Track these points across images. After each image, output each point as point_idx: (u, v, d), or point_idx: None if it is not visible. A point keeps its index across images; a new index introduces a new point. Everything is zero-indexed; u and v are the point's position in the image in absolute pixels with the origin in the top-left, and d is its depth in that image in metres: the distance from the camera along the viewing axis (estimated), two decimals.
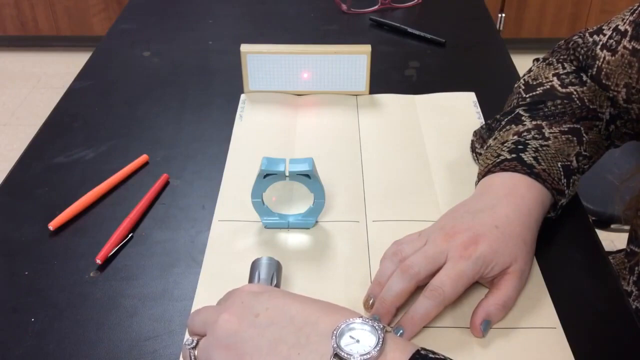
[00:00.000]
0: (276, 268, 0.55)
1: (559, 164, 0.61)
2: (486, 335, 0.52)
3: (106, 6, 2.63)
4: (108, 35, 1.03)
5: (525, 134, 0.64)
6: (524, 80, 0.73)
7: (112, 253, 0.61)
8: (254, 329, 0.44)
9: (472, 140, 0.73)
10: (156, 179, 0.70)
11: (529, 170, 0.60)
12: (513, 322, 0.54)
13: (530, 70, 0.75)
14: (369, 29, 1.05)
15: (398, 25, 1.03)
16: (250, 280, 0.54)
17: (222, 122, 0.80)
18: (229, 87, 0.87)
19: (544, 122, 0.65)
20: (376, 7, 1.09)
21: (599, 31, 0.71)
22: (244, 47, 0.81)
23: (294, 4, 1.12)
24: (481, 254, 0.52)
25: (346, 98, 0.84)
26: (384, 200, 0.67)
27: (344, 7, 1.09)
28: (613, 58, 0.68)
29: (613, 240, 1.63)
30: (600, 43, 0.70)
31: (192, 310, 0.55)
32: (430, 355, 0.41)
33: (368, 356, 0.41)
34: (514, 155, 0.61)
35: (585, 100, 0.68)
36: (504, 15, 2.56)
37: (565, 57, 0.74)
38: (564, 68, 0.72)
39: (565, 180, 0.61)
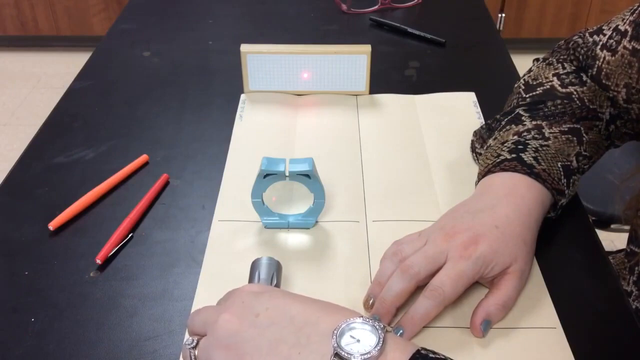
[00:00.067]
0: (276, 268, 0.55)
1: (559, 164, 0.61)
2: (486, 335, 0.52)
3: (106, 6, 2.63)
4: (108, 35, 1.03)
5: (525, 134, 0.64)
6: (524, 80, 0.73)
7: (112, 253, 0.61)
8: (254, 329, 0.44)
9: (472, 140, 0.73)
10: (156, 179, 0.70)
11: (529, 170, 0.60)
12: (513, 322, 0.54)
13: (530, 70, 0.75)
14: (369, 29, 1.05)
15: (398, 25, 1.03)
16: (250, 280, 0.54)
17: (222, 122, 0.80)
18: (229, 87, 0.87)
19: (544, 122, 0.65)
20: (376, 7, 1.09)
21: (599, 31, 0.71)
22: (244, 47, 0.81)
23: (294, 4, 1.12)
24: (481, 254, 0.53)
25: (346, 98, 0.84)
26: (384, 200, 0.67)
27: (344, 7, 1.09)
28: (613, 58, 0.68)
29: (613, 240, 1.63)
30: (600, 43, 0.70)
31: (192, 310, 0.55)
32: (431, 355, 0.41)
33: (368, 356, 0.41)
34: (514, 155, 0.61)
35: (585, 100, 0.68)
36: (504, 15, 2.56)
37: (565, 57, 0.74)
38: (564, 68, 0.72)
39: (565, 180, 0.61)
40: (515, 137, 0.64)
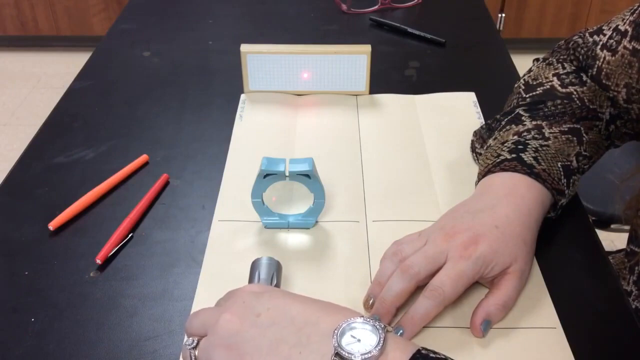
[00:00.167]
0: (276, 268, 0.55)
1: (559, 164, 0.61)
2: (486, 335, 0.52)
3: (106, 6, 2.63)
4: (108, 35, 1.03)
5: (525, 134, 0.64)
6: (524, 80, 0.73)
7: (112, 253, 0.61)
8: (255, 329, 0.44)
9: (472, 140, 0.73)
10: (156, 179, 0.70)
11: (529, 170, 0.60)
12: (513, 322, 0.54)
13: (530, 70, 0.75)
14: (369, 29, 1.05)
15: (398, 25, 1.03)
16: (250, 280, 0.54)
17: (222, 122, 0.80)
18: (229, 87, 0.87)
19: (544, 122, 0.65)
20: (376, 7, 1.09)
21: (599, 31, 0.71)
22: (244, 47, 0.81)
23: (294, 4, 1.12)
24: (481, 254, 0.53)
25: (346, 98, 0.84)
26: (384, 200, 0.67)
27: (344, 7, 1.09)
28: (613, 58, 0.68)
29: (613, 240, 1.63)
30: (601, 43, 0.70)
31: (192, 310, 0.55)
32: (431, 355, 0.41)
33: (369, 355, 0.41)
34: (514, 155, 0.61)
35: (585, 100, 0.68)
36: (504, 15, 2.56)
37: (565, 57, 0.74)
38: (564, 68, 0.72)
39: (565, 180, 0.61)
40: (515, 137, 0.64)
